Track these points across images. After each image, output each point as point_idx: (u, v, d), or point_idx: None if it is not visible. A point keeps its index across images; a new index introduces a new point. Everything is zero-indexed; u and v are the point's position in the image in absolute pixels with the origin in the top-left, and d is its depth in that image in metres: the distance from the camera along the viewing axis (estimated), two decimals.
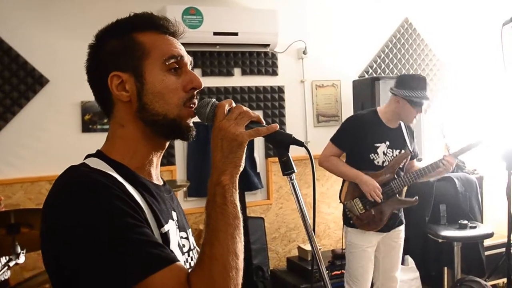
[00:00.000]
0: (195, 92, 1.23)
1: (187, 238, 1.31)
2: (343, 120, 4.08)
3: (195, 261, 1.24)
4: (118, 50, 1.20)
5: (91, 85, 1.26)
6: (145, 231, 1.06)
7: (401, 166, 3.43)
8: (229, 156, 1.15)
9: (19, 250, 2.54)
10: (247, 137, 1.16)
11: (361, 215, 3.39)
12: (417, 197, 3.50)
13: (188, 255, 1.27)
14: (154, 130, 1.21)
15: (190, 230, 1.35)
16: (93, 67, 1.24)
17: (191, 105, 1.22)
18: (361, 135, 3.40)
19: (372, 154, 3.37)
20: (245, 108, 1.19)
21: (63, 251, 1.05)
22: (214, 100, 1.23)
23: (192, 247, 1.31)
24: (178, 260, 1.07)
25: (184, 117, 1.21)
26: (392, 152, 3.40)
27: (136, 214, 1.07)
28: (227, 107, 1.19)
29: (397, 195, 3.42)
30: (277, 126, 1.21)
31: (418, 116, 3.35)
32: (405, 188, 3.47)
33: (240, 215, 1.15)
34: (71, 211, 1.05)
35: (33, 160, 3.72)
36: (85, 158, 1.21)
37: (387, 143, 3.39)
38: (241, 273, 1.10)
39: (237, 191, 1.16)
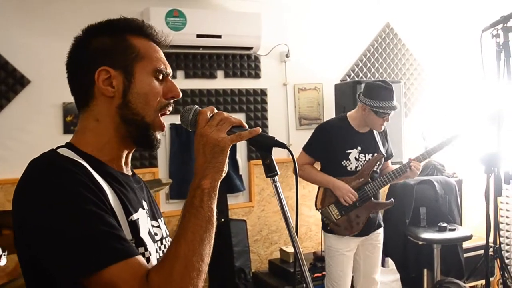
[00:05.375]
0: (172, 101, 1.28)
1: (159, 226, 1.33)
2: None
3: None
4: (110, 47, 1.23)
5: (71, 76, 1.28)
6: (107, 221, 1.07)
7: (375, 169, 3.44)
8: (212, 161, 1.18)
9: (0, 252, 2.51)
10: (229, 142, 1.19)
11: (337, 221, 3.40)
12: (392, 199, 3.53)
13: (161, 243, 1.30)
14: (128, 129, 1.24)
15: (162, 218, 1.37)
16: (77, 59, 1.26)
17: (166, 112, 1.27)
18: (332, 143, 3.41)
19: (344, 161, 3.39)
20: (226, 114, 1.22)
21: (28, 236, 1.07)
22: (196, 107, 1.26)
23: (164, 235, 1.33)
24: (138, 254, 1.08)
25: (156, 127, 1.26)
26: (365, 156, 3.42)
27: (101, 203, 1.08)
28: (208, 114, 1.22)
29: (373, 198, 3.44)
30: (259, 129, 1.23)
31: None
32: (386, 189, 3.49)
33: (214, 221, 1.16)
34: (36, 197, 1.07)
35: (13, 162, 3.66)
36: (55, 149, 1.23)
37: (359, 148, 3.40)
38: (203, 276, 1.11)
39: (216, 196, 1.18)
